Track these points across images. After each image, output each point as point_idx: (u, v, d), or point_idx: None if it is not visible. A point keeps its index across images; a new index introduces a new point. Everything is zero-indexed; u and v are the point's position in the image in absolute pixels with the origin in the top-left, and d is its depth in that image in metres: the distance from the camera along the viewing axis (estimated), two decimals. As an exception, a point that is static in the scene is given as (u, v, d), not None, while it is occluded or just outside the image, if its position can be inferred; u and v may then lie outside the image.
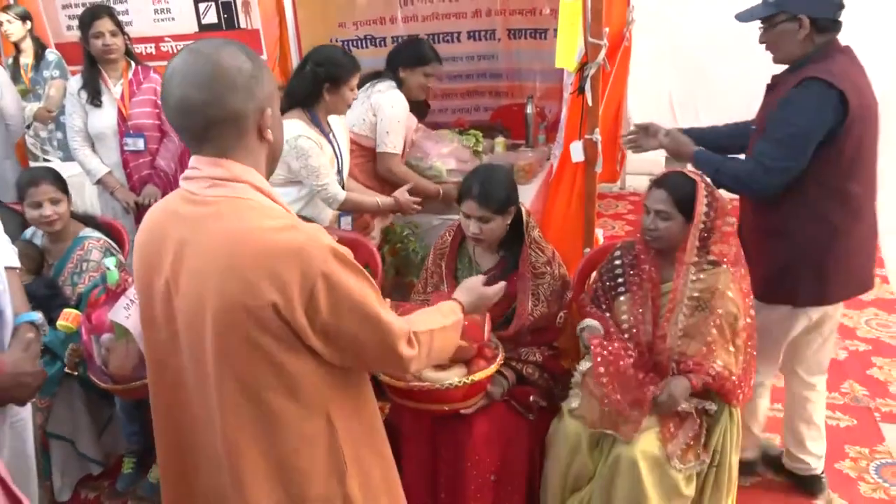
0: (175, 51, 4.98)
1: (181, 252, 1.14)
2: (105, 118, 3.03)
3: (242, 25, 4.62)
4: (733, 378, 1.88)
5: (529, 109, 3.61)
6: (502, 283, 1.70)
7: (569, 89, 2.74)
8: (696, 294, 1.91)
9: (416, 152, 3.04)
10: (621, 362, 1.87)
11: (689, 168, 1.97)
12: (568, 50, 2.68)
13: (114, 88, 3.04)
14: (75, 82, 3.08)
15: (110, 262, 2.14)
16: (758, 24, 1.98)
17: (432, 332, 1.34)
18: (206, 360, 1.15)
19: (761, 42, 1.99)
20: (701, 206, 1.88)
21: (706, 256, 1.92)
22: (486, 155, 3.35)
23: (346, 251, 1.15)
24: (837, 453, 2.49)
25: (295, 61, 4.26)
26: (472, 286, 1.64)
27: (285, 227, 1.10)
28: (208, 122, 1.12)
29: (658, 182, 1.95)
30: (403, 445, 2.01)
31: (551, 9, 3.85)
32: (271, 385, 1.14)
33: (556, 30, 3.88)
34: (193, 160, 1.17)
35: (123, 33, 3.03)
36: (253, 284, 1.06)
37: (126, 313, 2.04)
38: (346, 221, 2.61)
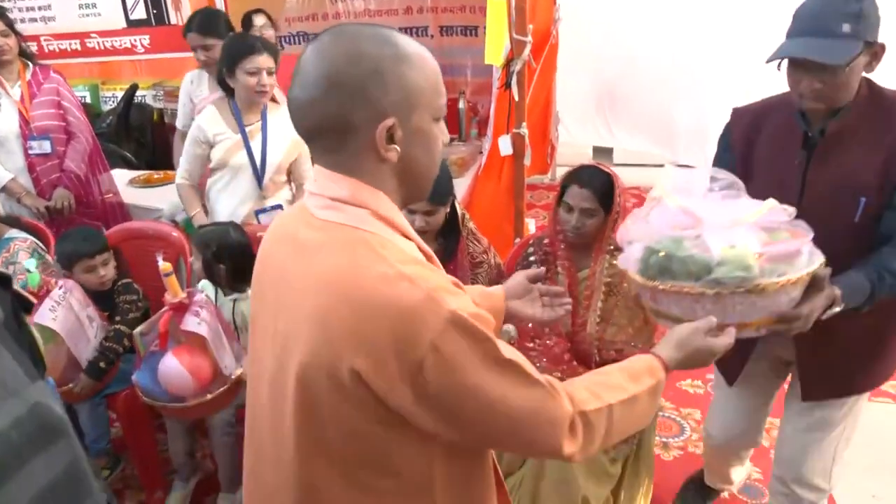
0: (102, 47, 4.87)
1: (284, 283, 0.93)
2: (6, 122, 2.88)
3: (173, 21, 4.54)
4: None
5: (461, 104, 3.69)
6: (732, 332, 1.21)
7: (496, 84, 2.82)
8: (608, 279, 1.98)
9: None
10: (556, 350, 1.94)
11: (595, 161, 2.03)
12: (496, 46, 2.76)
13: (11, 91, 2.90)
14: None
15: (30, 263, 2.09)
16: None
17: (611, 407, 0.98)
18: (284, 423, 0.92)
19: (810, 90, 1.44)
20: (618, 198, 1.95)
21: (614, 241, 1.96)
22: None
23: (476, 313, 0.86)
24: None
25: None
26: (686, 338, 1.15)
27: (399, 278, 0.83)
28: (305, 129, 0.90)
29: (580, 180, 1.95)
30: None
31: (481, 7, 3.93)
32: (363, 461, 0.91)
33: (486, 27, 4.01)
34: (314, 170, 0.95)
35: (16, 33, 2.89)
36: (341, 346, 0.83)
37: (52, 315, 1.99)
38: (270, 216, 2.55)
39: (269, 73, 2.44)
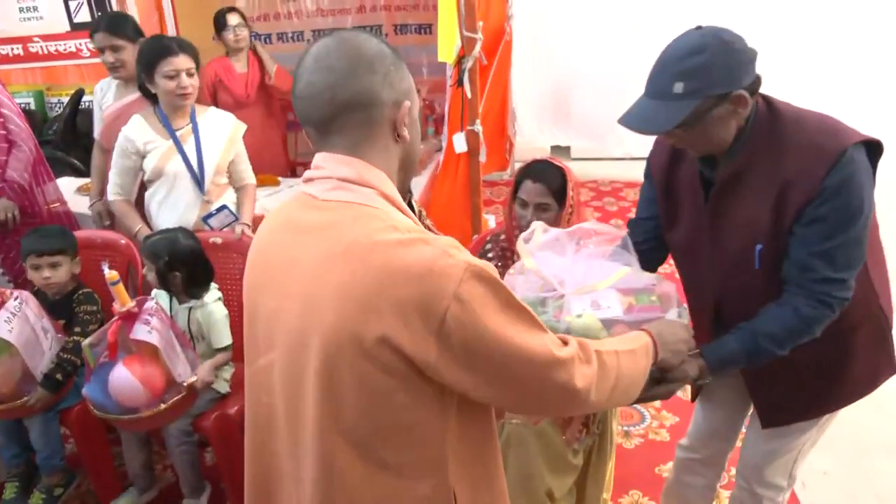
0: (45, 52, 4.73)
1: (293, 266, 0.96)
2: None
3: (119, 24, 4.43)
4: None
5: (417, 103, 3.68)
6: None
7: (450, 82, 2.83)
8: None
9: None
10: None
11: (549, 156, 2.03)
12: (448, 44, 2.76)
13: None
14: None
15: None
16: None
17: (618, 353, 1.06)
18: (304, 403, 0.95)
19: (675, 143, 1.44)
20: (570, 192, 1.97)
21: None
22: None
23: (488, 266, 0.92)
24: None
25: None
26: (671, 326, 1.28)
27: (413, 241, 0.90)
28: (335, 107, 0.95)
29: (532, 175, 1.95)
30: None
31: (434, 4, 3.93)
32: (381, 435, 0.94)
33: (439, 24, 4.00)
34: (318, 158, 0.99)
35: None
36: (366, 310, 0.88)
37: (7, 326, 1.95)
38: (219, 219, 2.48)
39: (190, 75, 2.36)
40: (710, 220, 1.48)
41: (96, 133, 2.92)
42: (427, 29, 4.03)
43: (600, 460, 2.07)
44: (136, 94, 2.65)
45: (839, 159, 1.29)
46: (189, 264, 2.11)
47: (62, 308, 2.23)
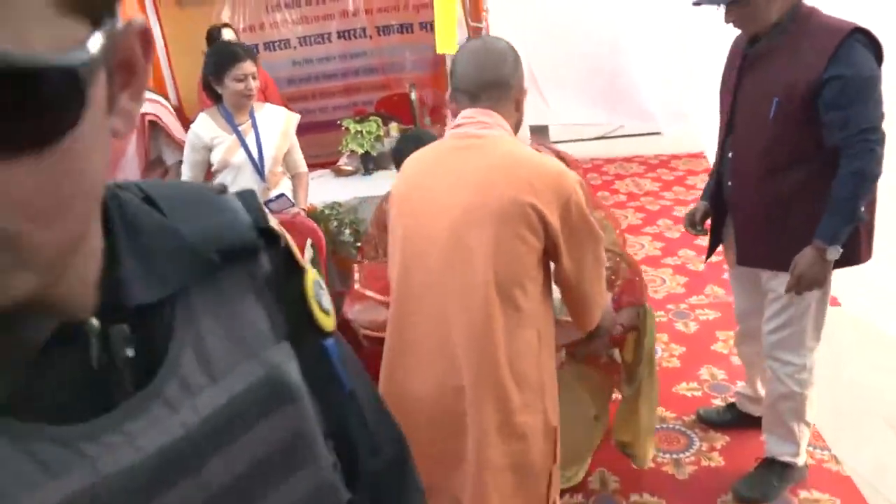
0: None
1: (464, 170, 1.43)
2: None
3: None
4: (636, 278, 2.21)
5: (413, 95, 3.93)
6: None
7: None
8: None
9: None
10: None
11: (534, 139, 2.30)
12: (447, 35, 3.05)
13: None
14: None
15: None
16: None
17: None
18: (472, 254, 1.39)
19: (729, 21, 1.93)
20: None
21: None
22: (387, 138, 3.62)
23: (582, 180, 1.53)
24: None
25: (165, 71, 4.29)
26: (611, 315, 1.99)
27: (549, 159, 1.50)
28: (482, 84, 1.46)
29: None
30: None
31: (414, 4, 4.21)
32: (518, 282, 1.40)
33: (421, 24, 4.26)
34: (466, 112, 1.48)
35: None
36: (526, 187, 1.38)
37: None
38: (280, 204, 2.70)
39: (254, 78, 2.65)
40: (741, 78, 2.00)
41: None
42: (408, 28, 4.29)
43: (651, 386, 2.27)
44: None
45: (849, 34, 1.78)
46: None
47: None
